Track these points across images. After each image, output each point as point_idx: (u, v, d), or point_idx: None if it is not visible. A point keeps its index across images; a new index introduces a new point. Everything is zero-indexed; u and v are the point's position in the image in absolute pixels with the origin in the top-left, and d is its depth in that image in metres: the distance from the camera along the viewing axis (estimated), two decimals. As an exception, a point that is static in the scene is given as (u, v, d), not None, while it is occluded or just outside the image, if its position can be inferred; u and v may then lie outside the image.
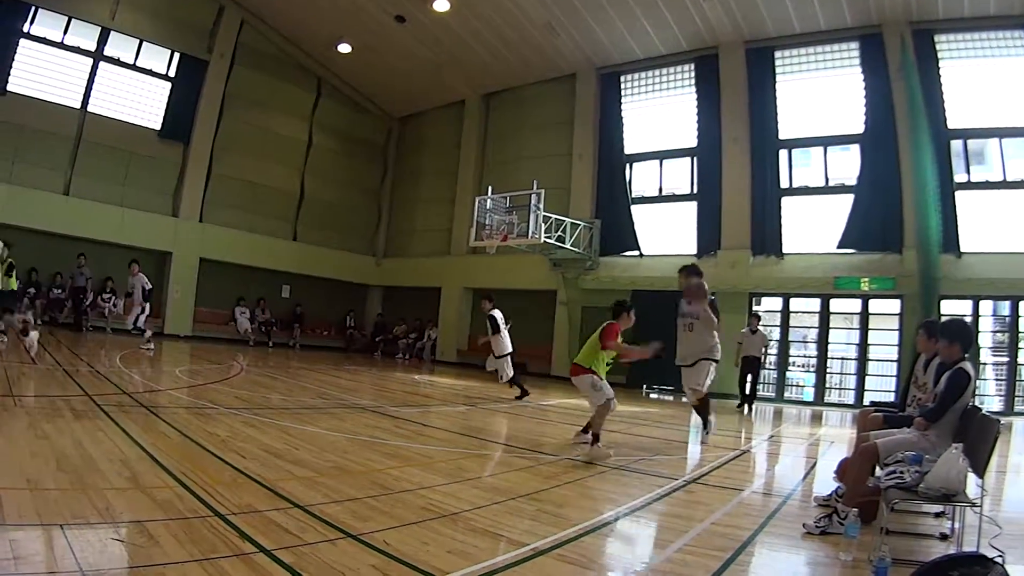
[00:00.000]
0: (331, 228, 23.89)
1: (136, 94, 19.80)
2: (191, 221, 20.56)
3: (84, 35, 18.68)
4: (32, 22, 17.68)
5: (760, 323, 14.77)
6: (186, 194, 20.52)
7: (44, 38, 17.98)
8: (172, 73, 20.31)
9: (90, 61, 18.88)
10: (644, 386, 17.84)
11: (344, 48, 22.09)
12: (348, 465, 5.28)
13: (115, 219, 18.96)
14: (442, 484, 4.88)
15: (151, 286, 14.86)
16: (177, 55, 20.34)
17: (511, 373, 12.42)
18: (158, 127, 20.06)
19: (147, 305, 14.71)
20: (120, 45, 19.37)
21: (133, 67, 19.69)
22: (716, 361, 8.23)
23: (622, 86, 20.19)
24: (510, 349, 12.45)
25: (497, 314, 12.40)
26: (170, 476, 4.21)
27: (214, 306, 21.19)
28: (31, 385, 7.82)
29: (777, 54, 17.47)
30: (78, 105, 18.70)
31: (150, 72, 20.00)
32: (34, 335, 9.88)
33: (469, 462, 5.52)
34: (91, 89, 18.89)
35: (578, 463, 6.30)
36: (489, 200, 18.03)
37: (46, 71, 18.02)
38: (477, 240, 18.12)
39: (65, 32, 18.26)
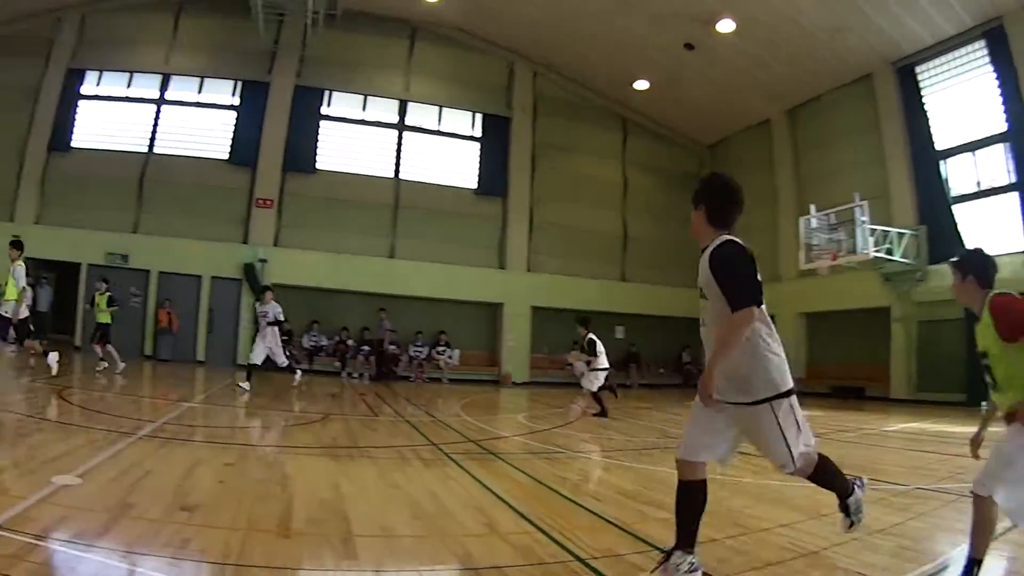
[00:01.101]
0: (657, 265, 22.80)
1: (448, 157, 20.96)
2: (519, 271, 20.95)
3: (385, 108, 20.50)
4: (329, 104, 20.35)
5: None
6: (511, 246, 21.00)
7: (343, 118, 20.45)
8: (479, 133, 21.16)
9: (395, 133, 20.53)
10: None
11: (641, 85, 21.64)
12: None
13: (440, 275, 19.87)
14: (799, 521, 4.47)
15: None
16: (480, 116, 21.21)
17: (596, 388, 12.19)
18: (474, 186, 20.96)
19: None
20: (421, 114, 20.76)
21: (439, 133, 20.95)
22: None
23: (919, 77, 18.48)
24: (607, 366, 12.46)
25: (595, 338, 12.51)
26: (527, 521, 4.14)
27: (550, 351, 21.17)
28: (376, 436, 8.08)
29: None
30: (391, 175, 20.40)
31: (458, 136, 21.09)
32: (53, 355, 10.25)
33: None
34: (400, 158, 20.53)
35: (928, 492, 5.61)
36: (813, 219, 17.58)
37: (356, 147, 20.12)
38: (807, 263, 17.63)
39: (364, 108, 20.38)
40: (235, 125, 19.98)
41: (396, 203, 20.45)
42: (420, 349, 19.83)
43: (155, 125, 20.05)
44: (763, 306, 3.12)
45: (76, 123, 20.17)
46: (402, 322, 19.63)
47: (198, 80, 20.29)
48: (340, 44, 20.27)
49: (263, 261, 18.99)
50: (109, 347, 13.98)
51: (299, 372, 13.60)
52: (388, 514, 3.97)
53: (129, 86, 20.36)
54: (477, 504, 4.57)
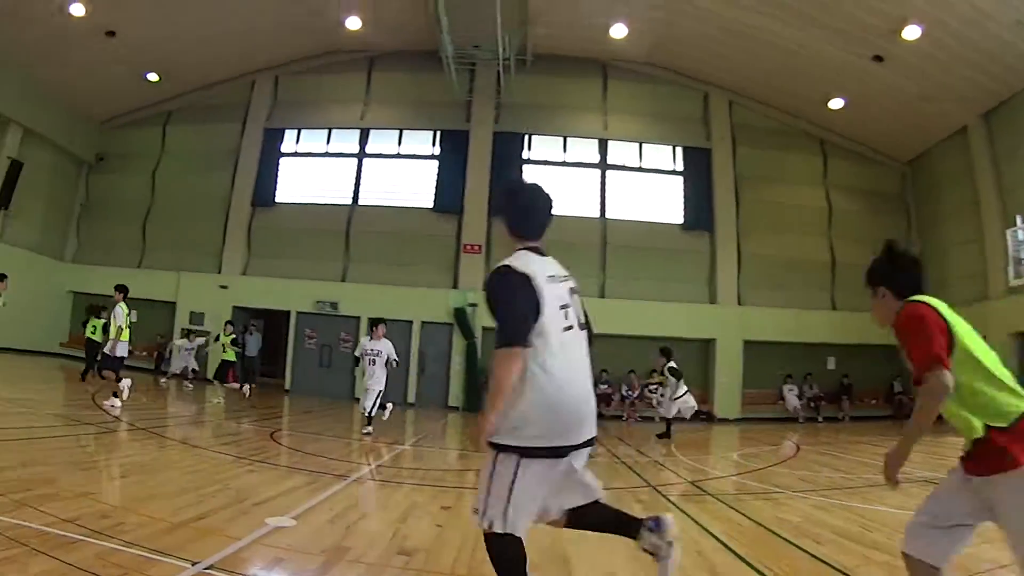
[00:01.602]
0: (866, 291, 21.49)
1: (651, 193, 20.35)
2: (730, 306, 20.01)
3: (586, 148, 20.36)
4: (529, 148, 20.30)
5: None
6: (720, 280, 20.07)
7: (546, 160, 20.45)
8: (680, 167, 20.48)
9: (598, 172, 20.19)
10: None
11: (836, 104, 20.56)
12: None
13: (651, 313, 19.20)
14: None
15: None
16: (680, 149, 20.59)
17: (671, 415, 13.04)
18: (680, 220, 20.21)
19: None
20: (622, 151, 20.40)
21: (640, 169, 20.41)
22: None
23: None
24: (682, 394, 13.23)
25: (676, 366, 13.34)
26: (749, 567, 4.00)
27: (760, 386, 20.13)
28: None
29: None
30: (598, 214, 19.97)
31: (660, 171, 20.48)
32: (126, 382, 10.71)
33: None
34: (605, 197, 20.07)
35: None
36: (1021, 232, 16.56)
37: (561, 188, 19.29)
38: (1016, 278, 16.54)
39: (564, 150, 20.34)
40: (438, 174, 20.08)
41: (604, 242, 19.93)
42: (629, 392, 19.02)
43: (358, 177, 20.47)
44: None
45: (279, 179, 20.85)
46: (614, 362, 18.93)
47: (397, 132, 20.61)
48: (535, 88, 20.21)
49: (473, 305, 18.65)
50: (230, 384, 15.18)
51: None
52: (608, 557, 3.77)
53: (328, 142, 20.88)
54: (697, 547, 4.43)
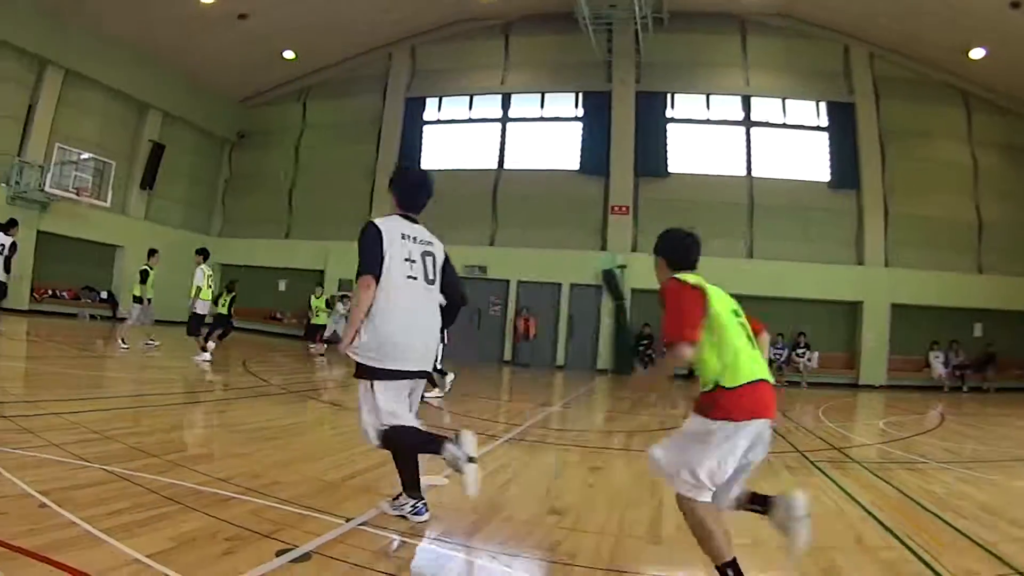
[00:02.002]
0: (1018, 254, 20.45)
1: (797, 150, 20.00)
2: (876, 267, 19.47)
3: (729, 106, 20.26)
4: (672, 106, 20.27)
5: None
6: (868, 241, 19.57)
7: (688, 119, 20.38)
8: (824, 123, 20.09)
9: (742, 129, 20.06)
10: None
11: (976, 53, 19.58)
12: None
13: (798, 274, 18.91)
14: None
15: None
16: (823, 104, 20.15)
17: None
18: (827, 179, 19.84)
19: None
20: (765, 108, 20.12)
21: (784, 125, 20.09)
22: None
23: None
24: None
25: None
26: (894, 537, 4.00)
27: (906, 352, 19.53)
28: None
29: None
30: (743, 173, 19.81)
31: (804, 127, 20.10)
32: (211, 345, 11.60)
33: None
34: (751, 155, 19.87)
35: None
36: None
37: (705, 147, 19.86)
38: None
39: (707, 107, 20.16)
40: (582, 135, 20.10)
41: (751, 202, 19.64)
42: (780, 352, 18.64)
43: (502, 142, 20.71)
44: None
45: (423, 147, 21.32)
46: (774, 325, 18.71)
47: (539, 95, 20.71)
48: (674, 46, 19.94)
49: (622, 267, 18.65)
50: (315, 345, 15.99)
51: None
52: (754, 522, 3.57)
53: (471, 108, 21.16)
54: (844, 516, 4.47)
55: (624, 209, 19.28)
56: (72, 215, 19.09)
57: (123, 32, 19.55)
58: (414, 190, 3.76)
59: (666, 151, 19.65)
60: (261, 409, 7.58)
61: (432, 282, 3.60)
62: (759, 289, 18.45)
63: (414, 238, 3.59)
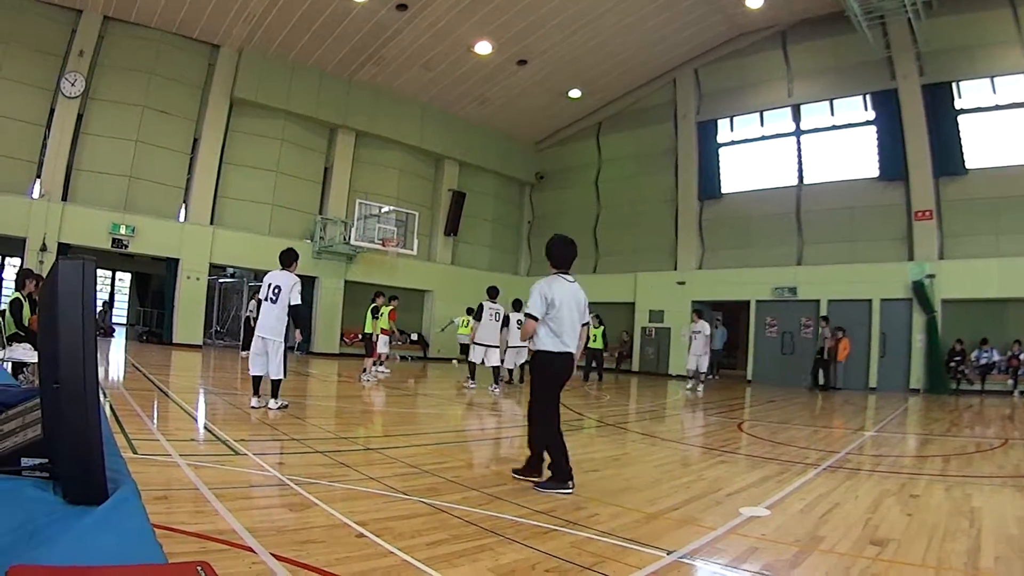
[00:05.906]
0: None
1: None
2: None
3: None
4: (959, 95, 19.01)
5: None
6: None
7: (978, 107, 18.71)
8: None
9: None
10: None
11: None
12: None
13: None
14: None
15: None
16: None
17: None
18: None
19: None
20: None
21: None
22: None
23: None
24: None
25: None
26: None
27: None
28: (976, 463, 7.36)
29: None
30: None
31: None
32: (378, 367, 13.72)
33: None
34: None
35: None
36: None
37: (1005, 136, 18.16)
38: None
39: (993, 91, 18.30)
40: (877, 139, 19.75)
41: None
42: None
43: (799, 156, 21.14)
44: None
45: (720, 170, 22.30)
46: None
47: (827, 103, 20.73)
48: (952, 29, 18.35)
49: (931, 277, 18.14)
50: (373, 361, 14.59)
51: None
52: None
53: (762, 124, 21.92)
54: None
55: (928, 214, 18.62)
56: (380, 264, 21.64)
57: (408, 91, 22.48)
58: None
59: (961, 146, 18.43)
60: (581, 441, 7.69)
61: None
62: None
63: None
